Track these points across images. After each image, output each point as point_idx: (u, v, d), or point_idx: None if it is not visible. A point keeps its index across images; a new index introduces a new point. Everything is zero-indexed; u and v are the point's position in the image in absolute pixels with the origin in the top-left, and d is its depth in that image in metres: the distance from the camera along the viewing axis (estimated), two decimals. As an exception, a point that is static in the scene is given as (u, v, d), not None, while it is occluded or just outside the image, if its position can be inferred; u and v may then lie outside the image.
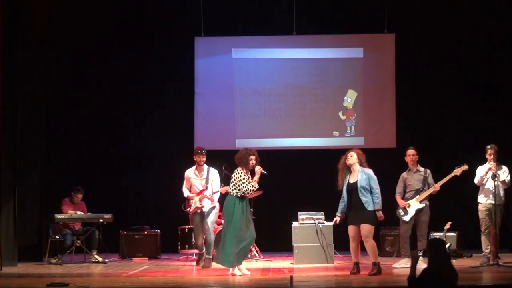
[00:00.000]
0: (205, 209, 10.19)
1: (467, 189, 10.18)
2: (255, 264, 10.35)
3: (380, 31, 12.70)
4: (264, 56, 12.90)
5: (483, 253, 9.87)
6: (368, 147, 11.80)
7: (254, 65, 12.90)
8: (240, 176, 9.10)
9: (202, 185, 10.22)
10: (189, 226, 11.02)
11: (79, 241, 10.93)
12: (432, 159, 11.23)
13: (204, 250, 10.26)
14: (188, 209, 10.34)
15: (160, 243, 11.75)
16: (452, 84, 12.69)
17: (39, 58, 11.34)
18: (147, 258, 11.46)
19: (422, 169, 10.14)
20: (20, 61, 10.62)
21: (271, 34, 12.85)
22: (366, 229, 8.74)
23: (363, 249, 8.93)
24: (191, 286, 8.21)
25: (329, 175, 12.27)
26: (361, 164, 8.93)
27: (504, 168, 9.86)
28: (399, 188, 10.15)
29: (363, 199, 8.77)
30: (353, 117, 12.80)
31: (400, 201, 10.04)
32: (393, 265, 9.88)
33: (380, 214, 8.78)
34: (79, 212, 11.20)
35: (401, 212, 10.01)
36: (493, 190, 9.68)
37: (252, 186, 9.13)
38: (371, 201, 8.76)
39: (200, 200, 10.17)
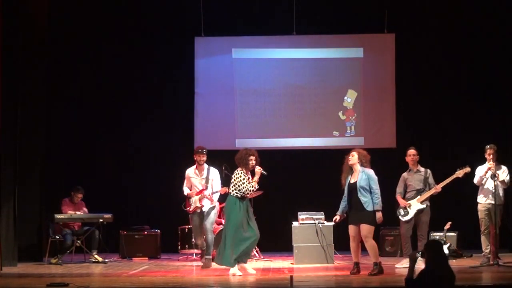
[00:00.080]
0: (204, 209, 10.18)
1: (467, 189, 10.17)
2: (255, 264, 10.34)
3: (380, 31, 12.70)
4: (264, 56, 12.91)
5: (483, 253, 9.87)
6: (368, 147, 11.76)
7: (254, 65, 12.90)
8: (240, 176, 9.11)
9: (202, 185, 10.22)
10: (189, 226, 11.01)
11: (79, 241, 10.93)
12: (432, 159, 11.22)
13: (205, 247, 10.25)
14: (188, 208, 10.33)
15: (160, 243, 11.75)
16: (452, 84, 12.69)
17: (39, 58, 11.34)
18: (147, 258, 11.46)
19: (422, 169, 10.14)
20: (20, 61, 10.62)
21: (271, 34, 12.84)
22: (366, 229, 8.74)
23: (364, 249, 8.93)
24: (191, 286, 8.21)
25: (329, 175, 12.26)
26: (362, 165, 8.92)
27: (504, 168, 9.85)
28: (399, 188, 10.15)
29: (362, 199, 8.77)
30: (353, 117, 12.80)
31: (401, 201, 10.03)
32: (396, 265, 9.88)
33: (379, 215, 8.73)
34: (79, 212, 11.20)
35: (402, 212, 10.01)
36: (493, 190, 9.68)
37: (252, 187, 9.14)
38: (371, 202, 8.75)
39: (200, 200, 10.17)
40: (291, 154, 12.74)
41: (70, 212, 11.11)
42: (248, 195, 9.18)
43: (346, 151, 9.28)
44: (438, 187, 9.96)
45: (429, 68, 12.73)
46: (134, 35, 12.81)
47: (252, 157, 9.18)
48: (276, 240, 11.59)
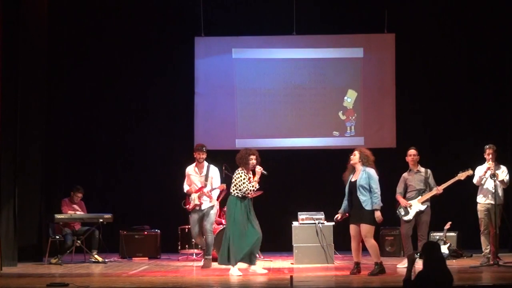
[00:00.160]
0: (203, 207, 10.16)
1: (467, 189, 10.17)
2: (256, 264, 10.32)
3: (380, 31, 12.70)
4: (264, 56, 12.91)
5: (483, 253, 9.87)
6: (368, 147, 11.65)
7: (254, 65, 12.91)
8: (241, 176, 9.13)
9: (201, 182, 10.21)
10: (189, 226, 11.00)
11: (79, 241, 10.93)
12: (432, 159, 11.22)
13: (205, 246, 10.24)
14: (187, 206, 10.31)
15: (160, 243, 11.75)
16: (452, 84, 12.70)
17: (39, 58, 11.33)
18: (147, 258, 11.46)
19: (422, 169, 10.13)
20: (20, 61, 10.61)
21: (271, 34, 12.85)
22: (365, 229, 8.73)
23: (365, 249, 8.92)
24: (191, 286, 8.20)
25: (329, 175, 12.35)
26: (364, 164, 8.90)
27: (503, 167, 9.85)
28: (399, 188, 10.14)
29: (361, 198, 8.76)
30: (353, 117, 12.81)
31: (402, 200, 10.01)
32: (397, 265, 9.88)
33: (377, 214, 8.71)
34: (79, 212, 11.21)
35: (402, 211, 10.00)
36: (492, 190, 9.68)
37: (252, 186, 9.15)
38: (370, 201, 8.73)
39: (199, 197, 10.15)
40: (291, 154, 12.75)
41: (70, 212, 11.11)
42: (249, 195, 9.19)
43: (346, 151, 9.28)
44: (440, 189, 9.94)
45: (429, 68, 12.73)
46: (134, 35, 12.81)
47: (253, 157, 9.19)
48: (276, 240, 11.59)
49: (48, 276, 9.09)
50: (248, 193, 9.14)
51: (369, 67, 12.83)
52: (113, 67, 12.80)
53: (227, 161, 10.54)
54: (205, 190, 10.14)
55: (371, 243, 8.78)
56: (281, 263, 10.63)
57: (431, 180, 10.05)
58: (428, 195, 9.95)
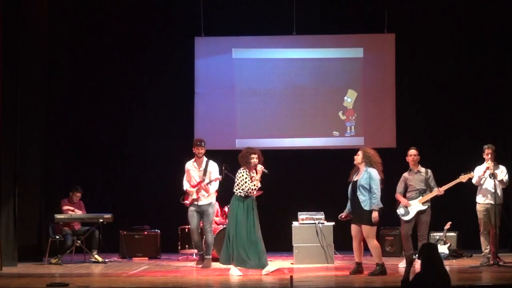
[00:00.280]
0: (201, 203, 10.13)
1: (467, 189, 10.17)
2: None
3: (380, 31, 12.70)
4: (264, 56, 12.91)
5: (482, 253, 9.87)
6: (368, 147, 11.79)
7: (254, 65, 12.90)
8: (243, 175, 9.15)
9: (200, 177, 10.20)
10: (189, 226, 10.99)
11: (79, 241, 10.93)
12: (432, 159, 11.21)
13: (204, 250, 10.24)
14: (186, 201, 10.29)
15: (160, 243, 11.75)
16: (452, 84, 12.70)
17: (39, 58, 11.33)
18: (147, 258, 11.46)
19: (423, 169, 10.12)
20: (20, 61, 10.61)
21: (271, 34, 12.85)
22: (366, 230, 8.72)
23: (367, 249, 8.91)
24: (191, 286, 8.20)
25: (329, 175, 12.37)
26: (367, 164, 8.88)
27: (502, 167, 9.85)
28: (399, 188, 10.13)
29: (361, 197, 8.75)
30: (353, 117, 12.81)
31: (403, 200, 10.00)
32: (399, 265, 9.88)
33: (374, 215, 8.68)
34: (79, 212, 11.21)
35: (402, 211, 9.98)
36: (492, 190, 9.68)
37: (254, 185, 9.15)
38: (369, 201, 8.72)
39: (197, 192, 10.14)
40: (291, 154, 12.75)
41: (70, 212, 11.11)
42: (251, 194, 9.19)
43: (346, 151, 9.30)
44: (441, 190, 9.92)
45: (429, 68, 12.73)
46: (134, 35, 12.81)
47: (254, 156, 9.20)
48: (276, 240, 11.58)
49: (48, 276, 9.10)
50: (251, 192, 9.15)
51: (369, 67, 12.83)
52: (113, 67, 12.80)
53: (227, 161, 10.54)
54: (203, 184, 10.11)
55: (373, 243, 8.77)
56: (281, 263, 10.62)
57: (432, 181, 10.04)
58: (429, 196, 9.94)
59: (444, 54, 12.69)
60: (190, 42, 12.79)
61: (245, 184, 9.11)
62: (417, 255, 7.09)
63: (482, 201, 9.86)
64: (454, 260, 10.66)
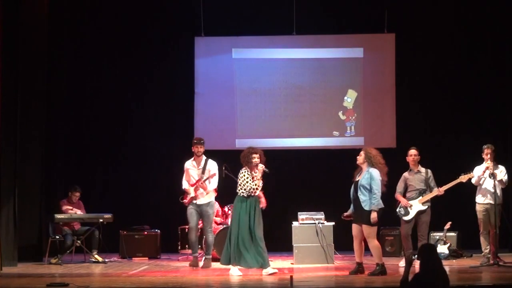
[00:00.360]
0: (199, 202, 10.11)
1: (467, 189, 10.17)
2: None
3: (380, 31, 12.70)
4: (264, 56, 12.91)
5: (482, 253, 9.87)
6: (370, 147, 11.78)
7: (254, 65, 12.91)
8: (244, 175, 9.17)
9: (198, 175, 10.17)
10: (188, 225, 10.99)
11: (79, 241, 10.92)
12: (431, 159, 11.21)
13: (197, 253, 10.22)
14: (184, 200, 10.27)
15: (160, 243, 11.74)
16: (452, 84, 12.70)
17: (39, 58, 11.32)
18: (147, 258, 11.46)
19: (423, 169, 10.13)
20: (20, 61, 10.61)
21: (271, 34, 12.85)
22: (366, 229, 8.72)
23: (367, 249, 8.91)
24: (191, 286, 8.20)
25: (329, 175, 12.37)
26: (369, 164, 8.87)
27: (501, 167, 9.85)
28: (399, 188, 10.13)
29: (361, 197, 8.75)
30: (353, 117, 12.81)
31: (403, 200, 10.00)
32: (399, 264, 9.89)
33: (373, 215, 8.66)
34: (79, 212, 11.20)
35: (402, 211, 9.99)
36: (492, 190, 9.68)
37: (256, 185, 9.15)
38: (369, 201, 8.72)
39: (195, 190, 10.12)
40: (291, 154, 12.74)
41: (70, 211, 11.11)
42: (253, 193, 9.18)
43: (346, 151, 9.29)
44: (441, 190, 9.92)
45: (429, 68, 12.73)
46: (134, 35, 12.81)
47: (255, 155, 9.21)
48: (276, 240, 11.58)
49: (48, 276, 9.09)
50: (252, 191, 9.15)
51: (369, 67, 12.83)
52: (113, 67, 12.80)
53: (227, 161, 10.54)
54: (201, 182, 10.09)
55: (373, 244, 8.77)
56: (281, 263, 10.62)
57: (432, 181, 10.04)
58: (429, 196, 9.94)
59: (444, 54, 12.69)
60: (190, 42, 12.79)
61: (247, 184, 9.12)
62: (416, 255, 7.08)
63: (481, 201, 9.86)
64: (454, 260, 10.66)
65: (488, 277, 8.82)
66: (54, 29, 11.86)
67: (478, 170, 9.87)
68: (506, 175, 9.83)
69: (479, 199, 9.91)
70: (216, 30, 12.77)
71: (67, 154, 12.65)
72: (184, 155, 10.81)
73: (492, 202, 9.72)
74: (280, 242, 11.52)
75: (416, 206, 9.95)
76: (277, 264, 10.48)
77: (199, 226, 10.44)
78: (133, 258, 11.41)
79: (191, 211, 10.15)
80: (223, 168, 10.52)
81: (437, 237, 11.07)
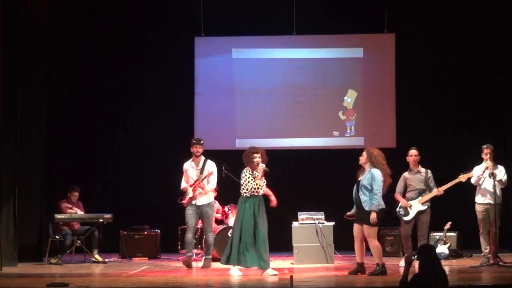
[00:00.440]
0: (198, 203, 10.09)
1: (467, 189, 10.17)
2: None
3: (380, 31, 12.70)
4: (264, 56, 12.91)
5: (482, 253, 9.86)
6: (373, 147, 11.77)
7: (254, 65, 12.91)
8: (246, 175, 9.18)
9: (197, 176, 10.14)
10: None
11: (79, 241, 10.92)
12: (431, 159, 11.22)
13: (191, 253, 10.20)
14: (183, 201, 10.25)
15: (160, 243, 11.75)
16: (452, 84, 12.70)
17: (39, 58, 11.32)
18: (147, 258, 11.46)
19: (423, 169, 10.13)
20: (20, 61, 10.61)
21: (271, 34, 12.85)
22: (366, 229, 8.72)
23: (368, 249, 8.90)
24: (191, 286, 8.20)
25: (329, 175, 12.37)
26: (371, 164, 8.86)
27: (501, 167, 9.86)
28: (399, 188, 10.13)
29: (362, 197, 8.76)
30: (353, 117, 12.81)
31: (403, 200, 10.00)
32: (399, 263, 9.89)
33: (373, 216, 8.65)
34: (79, 212, 11.20)
35: (402, 211, 9.99)
36: (491, 190, 9.68)
37: (257, 184, 9.14)
38: (369, 201, 8.72)
39: (193, 190, 10.10)
40: (291, 154, 12.74)
41: (69, 210, 11.11)
42: (256, 193, 9.18)
43: (346, 151, 9.29)
44: (441, 190, 9.92)
45: (429, 68, 12.73)
46: (134, 35, 12.81)
47: (256, 155, 9.21)
48: (276, 240, 11.56)
49: (48, 276, 9.09)
50: (254, 190, 9.15)
51: (369, 67, 12.83)
52: (113, 67, 12.81)
53: (227, 161, 10.53)
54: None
55: (374, 244, 8.77)
56: (281, 263, 10.62)
57: (432, 181, 10.04)
58: (428, 196, 9.94)
59: (444, 54, 12.69)
60: (190, 42, 12.80)
61: (248, 184, 9.13)
62: (415, 256, 7.10)
63: (481, 201, 9.86)
64: (454, 260, 10.66)
65: (488, 277, 8.82)
66: (54, 29, 11.86)
67: (477, 170, 9.87)
68: (506, 175, 9.83)
69: (478, 199, 9.91)
70: (216, 30, 12.77)
71: (67, 154, 12.65)
72: (184, 155, 10.80)
73: (491, 202, 9.72)
74: (280, 242, 11.50)
75: (416, 206, 9.95)
76: (277, 264, 10.48)
77: (198, 227, 10.44)
78: (133, 258, 11.41)
79: (189, 212, 10.12)
80: (223, 168, 10.52)
81: (437, 237, 11.07)
